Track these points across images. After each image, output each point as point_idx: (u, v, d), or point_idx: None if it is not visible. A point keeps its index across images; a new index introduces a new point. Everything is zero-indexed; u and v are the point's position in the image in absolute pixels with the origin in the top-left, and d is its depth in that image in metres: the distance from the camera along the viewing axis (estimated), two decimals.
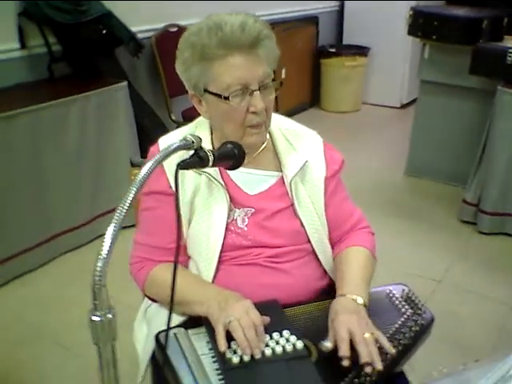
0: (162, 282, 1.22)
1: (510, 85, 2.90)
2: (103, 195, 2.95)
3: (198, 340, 1.12)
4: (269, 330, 1.09)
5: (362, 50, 5.34)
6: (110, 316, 0.72)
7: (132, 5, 3.37)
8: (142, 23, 3.50)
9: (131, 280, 1.32)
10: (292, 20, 4.98)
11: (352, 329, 1.08)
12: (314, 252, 1.31)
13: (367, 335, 1.07)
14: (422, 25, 3.33)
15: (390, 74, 5.40)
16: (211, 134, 1.30)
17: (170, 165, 1.15)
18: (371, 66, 5.43)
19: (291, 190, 1.28)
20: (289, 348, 1.06)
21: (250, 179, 1.29)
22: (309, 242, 1.30)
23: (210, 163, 0.95)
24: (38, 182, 2.67)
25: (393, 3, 5.00)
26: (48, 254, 2.79)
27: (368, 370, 1.03)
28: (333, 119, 5.28)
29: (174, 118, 3.70)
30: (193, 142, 0.91)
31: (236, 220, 1.26)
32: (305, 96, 5.46)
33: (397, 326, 1.19)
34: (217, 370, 1.04)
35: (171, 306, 0.92)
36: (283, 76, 4.99)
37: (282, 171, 1.30)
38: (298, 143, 1.33)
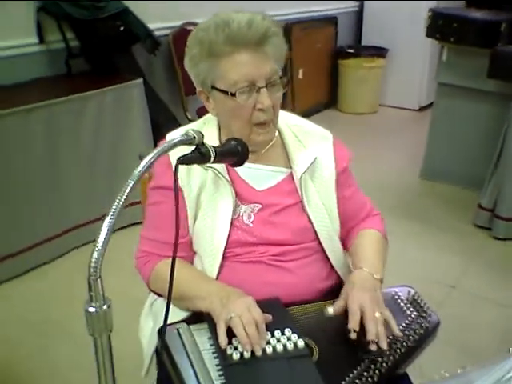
0: (166, 276, 1.21)
1: None
2: (117, 190, 2.96)
3: (200, 335, 1.12)
4: (270, 327, 1.09)
5: (380, 51, 5.31)
6: (105, 307, 0.73)
7: (149, 2, 3.39)
8: (160, 20, 3.52)
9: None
10: (311, 20, 4.97)
11: (364, 305, 1.10)
12: (322, 250, 1.30)
13: (377, 314, 1.09)
14: (440, 26, 3.29)
15: (408, 76, 5.36)
16: (219, 130, 1.30)
17: None
18: (390, 68, 5.39)
19: (301, 187, 1.27)
20: (290, 346, 1.06)
21: (259, 175, 1.29)
22: (317, 239, 1.30)
23: (212, 159, 0.95)
24: (53, 175, 2.71)
25: (413, 4, 4.95)
26: (62, 248, 2.83)
27: (373, 347, 1.06)
28: (349, 120, 5.25)
29: (189, 116, 3.71)
30: (194, 137, 0.91)
31: (242, 216, 1.25)
32: (322, 97, 5.44)
33: (401, 328, 1.17)
34: (217, 365, 1.04)
35: (168, 300, 0.92)
36: (300, 76, 4.99)
37: (291, 167, 1.30)
38: (307, 140, 1.33)
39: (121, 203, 0.75)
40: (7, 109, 2.44)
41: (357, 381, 1.03)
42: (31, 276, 2.68)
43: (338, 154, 1.35)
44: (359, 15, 5.62)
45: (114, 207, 0.75)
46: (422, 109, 5.42)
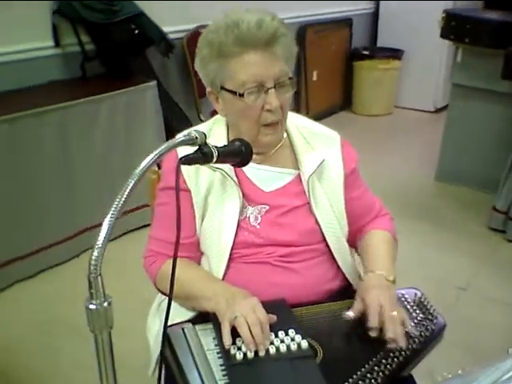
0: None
1: None
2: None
3: (205, 336, 1.13)
4: (274, 328, 1.09)
5: (395, 53, 5.27)
6: (105, 304, 0.74)
7: (164, 5, 3.41)
8: (174, 23, 3.54)
9: None
10: (325, 22, 4.96)
11: (383, 304, 1.11)
12: (329, 252, 1.30)
13: (395, 313, 1.10)
14: (454, 27, 3.27)
15: (424, 78, 5.32)
16: (228, 131, 1.31)
17: None
18: (405, 69, 5.35)
19: (308, 189, 1.28)
20: (293, 347, 1.06)
21: (266, 176, 1.29)
22: (324, 240, 1.30)
23: (214, 159, 0.96)
24: (66, 177, 2.73)
25: (429, 5, 4.90)
26: (74, 250, 2.84)
27: (392, 345, 1.07)
28: (364, 122, 5.23)
29: (203, 118, 3.72)
30: (196, 137, 0.92)
31: (249, 218, 1.26)
32: (336, 99, 5.43)
33: (406, 330, 1.17)
34: (221, 365, 1.05)
35: (169, 300, 0.93)
36: (315, 78, 4.97)
37: (298, 169, 1.30)
38: (315, 141, 1.33)
39: (121, 202, 0.76)
40: (22, 111, 2.46)
41: (360, 382, 1.03)
42: (42, 277, 2.69)
43: (346, 155, 1.35)
44: (375, 16, 5.60)
45: (114, 206, 0.76)
46: (437, 110, 5.37)
